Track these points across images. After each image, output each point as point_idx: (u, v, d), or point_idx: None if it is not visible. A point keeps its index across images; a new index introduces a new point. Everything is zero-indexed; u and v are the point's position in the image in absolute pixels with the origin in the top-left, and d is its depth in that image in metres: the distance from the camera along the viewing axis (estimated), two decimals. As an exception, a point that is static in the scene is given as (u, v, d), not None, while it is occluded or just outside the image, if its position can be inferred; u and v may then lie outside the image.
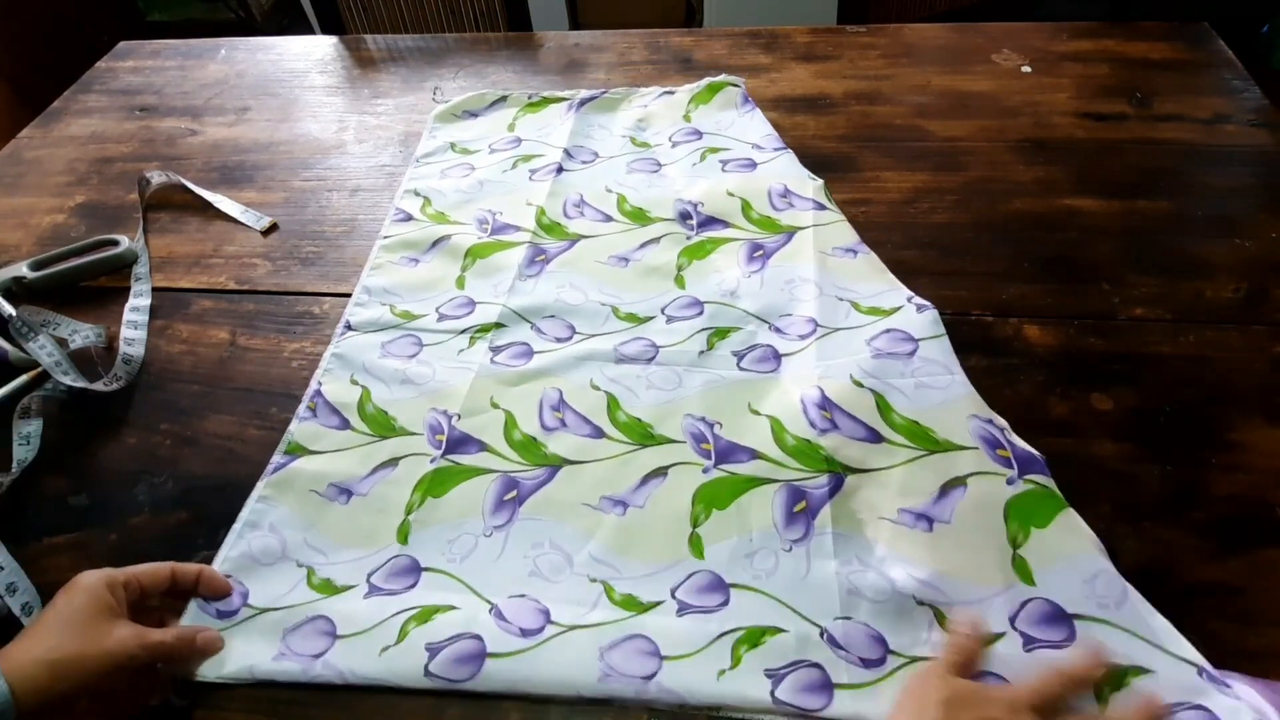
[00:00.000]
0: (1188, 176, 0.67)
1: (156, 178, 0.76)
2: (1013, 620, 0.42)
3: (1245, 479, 0.47)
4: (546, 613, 0.44)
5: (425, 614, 0.44)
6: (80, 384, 0.57)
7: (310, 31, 1.35)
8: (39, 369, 0.59)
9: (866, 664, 0.41)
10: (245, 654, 0.43)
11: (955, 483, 0.47)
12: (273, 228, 0.71)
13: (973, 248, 0.63)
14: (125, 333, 0.62)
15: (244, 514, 0.49)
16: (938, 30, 0.89)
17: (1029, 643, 0.41)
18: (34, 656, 0.37)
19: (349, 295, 0.64)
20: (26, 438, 0.54)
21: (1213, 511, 0.46)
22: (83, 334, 0.62)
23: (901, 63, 0.84)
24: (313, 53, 0.96)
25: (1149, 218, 0.64)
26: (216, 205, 0.74)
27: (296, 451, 0.53)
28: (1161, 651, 0.39)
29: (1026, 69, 0.81)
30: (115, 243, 0.69)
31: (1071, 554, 0.43)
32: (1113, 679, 0.39)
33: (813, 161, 0.71)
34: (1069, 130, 0.73)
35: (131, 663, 0.39)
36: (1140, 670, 0.39)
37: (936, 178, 0.69)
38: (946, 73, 0.81)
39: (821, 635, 0.42)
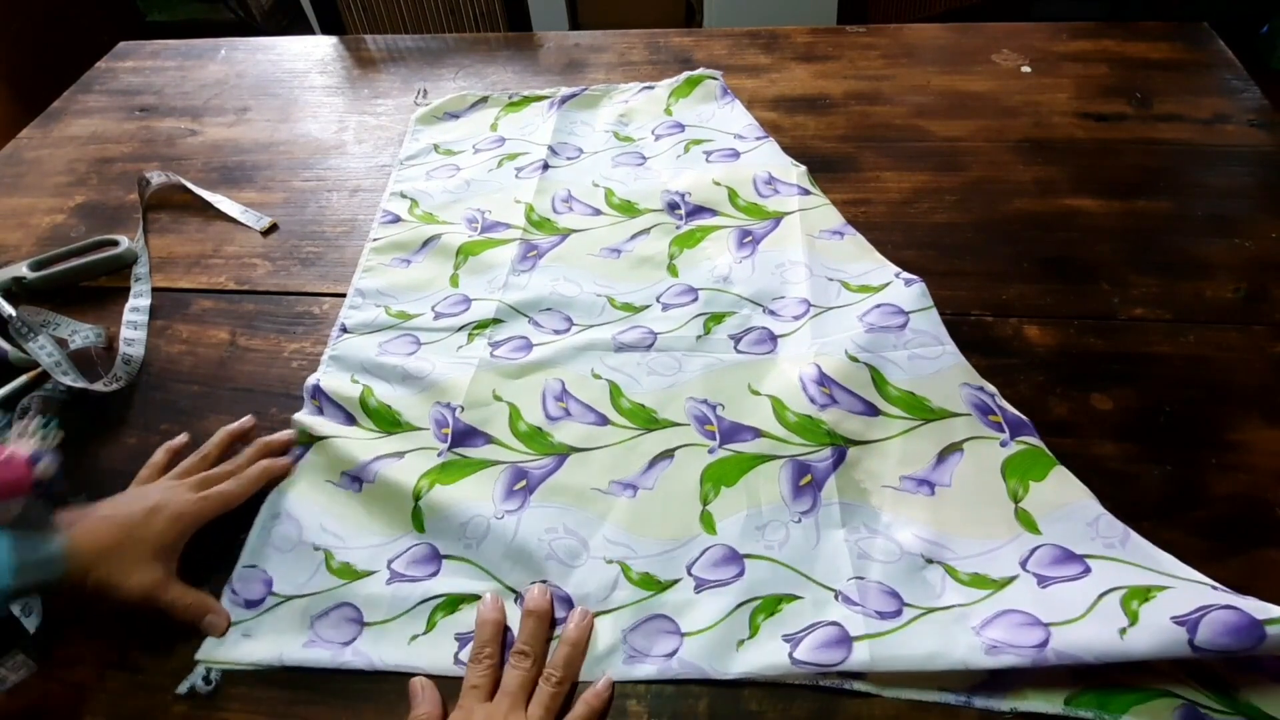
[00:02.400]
0: (1187, 176, 0.67)
1: (156, 178, 0.76)
2: (1024, 564, 0.43)
3: (1245, 479, 0.47)
4: (568, 600, 0.45)
5: (451, 603, 0.45)
6: (80, 384, 0.57)
7: (310, 31, 1.35)
8: (39, 369, 0.59)
9: (883, 615, 0.42)
10: (275, 642, 0.44)
11: (952, 448, 0.49)
12: (273, 228, 0.71)
13: (973, 248, 0.63)
14: (125, 333, 0.62)
15: (265, 506, 0.50)
16: (938, 30, 0.89)
17: (1043, 581, 0.42)
18: (87, 549, 0.42)
19: (348, 295, 0.64)
20: (26, 438, 0.54)
21: (1213, 511, 0.46)
22: (83, 334, 0.62)
23: (901, 63, 0.84)
24: (313, 53, 0.96)
25: (1149, 218, 0.64)
26: (216, 205, 0.74)
27: (306, 441, 0.53)
28: (1174, 578, 0.40)
29: (1026, 69, 0.81)
30: (115, 243, 0.69)
31: (1070, 502, 0.45)
32: (1138, 593, 0.39)
33: (813, 161, 0.71)
34: (1069, 130, 0.73)
35: (141, 603, 0.42)
36: (1161, 586, 0.39)
37: (936, 178, 0.69)
38: (946, 73, 0.81)
39: (837, 597, 0.43)
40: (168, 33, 1.39)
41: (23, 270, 0.66)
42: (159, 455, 0.51)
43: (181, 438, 0.53)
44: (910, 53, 0.85)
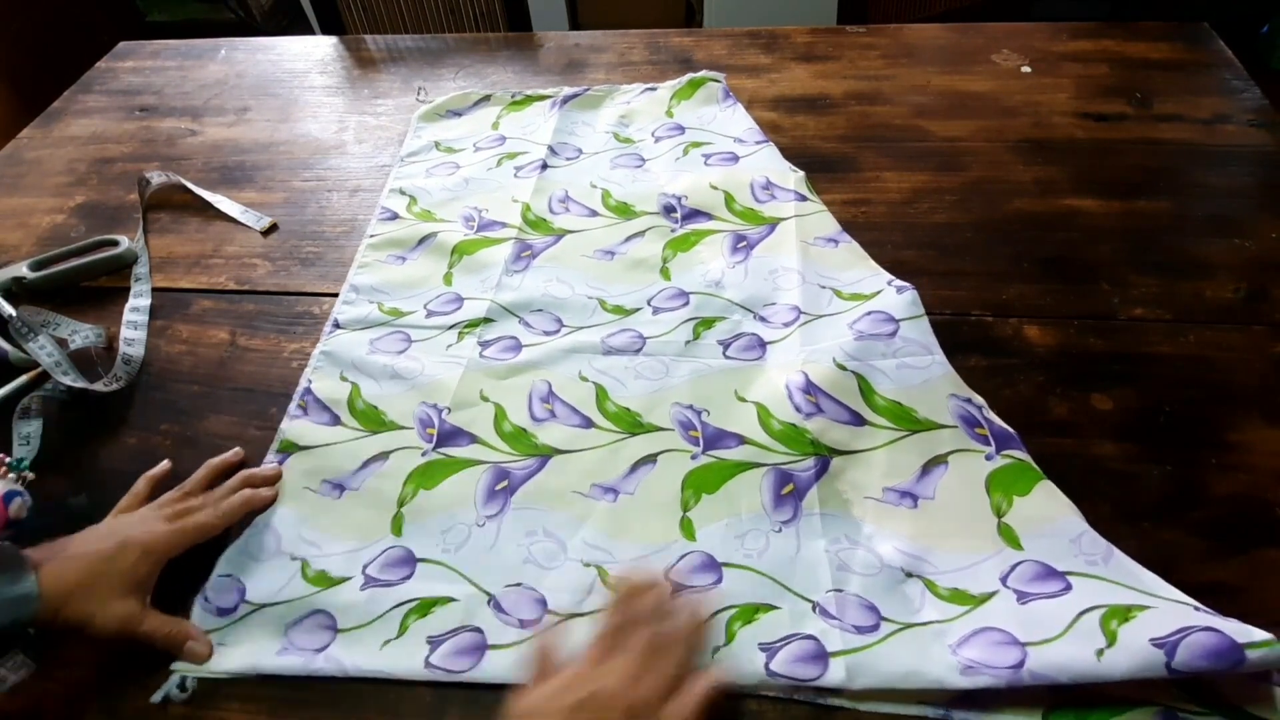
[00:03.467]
0: (1188, 176, 0.67)
1: (156, 178, 0.76)
2: (1004, 579, 0.43)
3: (1245, 479, 0.47)
4: (543, 601, 0.44)
5: (424, 606, 0.45)
6: (80, 384, 0.57)
7: (310, 31, 1.35)
8: (39, 369, 0.59)
9: (860, 630, 0.41)
10: (248, 650, 0.44)
11: (937, 461, 0.48)
12: (273, 228, 0.71)
13: (973, 248, 0.63)
14: (125, 333, 0.62)
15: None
16: (938, 30, 0.89)
17: (1022, 597, 0.41)
18: (58, 588, 0.41)
19: (349, 295, 0.64)
20: (26, 438, 0.54)
21: (1213, 511, 0.46)
22: (83, 334, 0.62)
23: (901, 63, 0.84)
24: (313, 53, 0.96)
25: (1149, 218, 0.64)
26: (216, 205, 0.74)
27: (289, 449, 0.53)
28: (1156, 597, 0.40)
29: (1026, 69, 0.81)
30: (115, 243, 0.69)
31: (1054, 518, 0.44)
32: (1118, 613, 0.38)
33: (812, 161, 0.71)
34: (1069, 130, 0.73)
35: (117, 636, 0.42)
36: (1142, 606, 0.39)
37: (936, 178, 0.69)
38: (946, 73, 0.81)
39: (814, 609, 0.43)
40: (168, 33, 1.39)
41: (23, 270, 0.66)
42: (140, 485, 0.50)
43: (162, 466, 0.52)
44: (910, 53, 0.85)
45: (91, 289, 0.67)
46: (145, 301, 0.65)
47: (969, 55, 0.84)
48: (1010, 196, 0.67)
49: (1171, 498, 0.46)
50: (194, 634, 0.44)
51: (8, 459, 0.52)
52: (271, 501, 0.50)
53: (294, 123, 0.84)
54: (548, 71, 0.88)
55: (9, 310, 0.62)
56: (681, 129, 0.77)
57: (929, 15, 1.85)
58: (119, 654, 0.44)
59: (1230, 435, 0.49)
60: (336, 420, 0.55)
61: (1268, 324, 0.55)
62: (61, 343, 0.61)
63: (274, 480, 0.51)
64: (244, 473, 0.51)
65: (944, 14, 1.86)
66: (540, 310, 0.61)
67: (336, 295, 0.64)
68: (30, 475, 0.52)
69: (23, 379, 0.58)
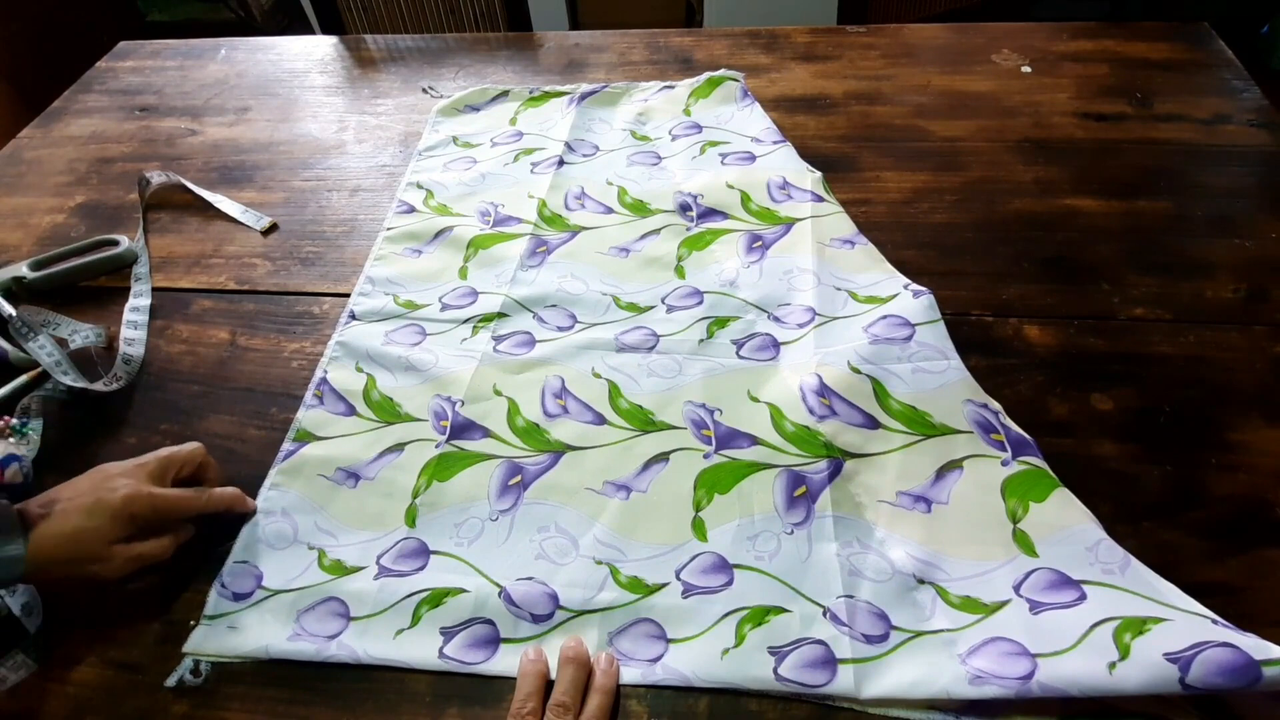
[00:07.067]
0: (1188, 176, 0.67)
1: (156, 178, 0.76)
2: (1017, 588, 0.42)
3: (1245, 479, 0.47)
4: (555, 597, 0.45)
5: (436, 597, 0.45)
6: (80, 384, 0.57)
7: (310, 31, 1.35)
8: (39, 369, 0.59)
9: (869, 640, 0.41)
10: (260, 634, 0.44)
11: (951, 465, 0.48)
12: (273, 228, 0.71)
13: (973, 248, 0.63)
14: (125, 333, 0.62)
15: (257, 502, 0.50)
16: (938, 30, 0.89)
17: (1035, 607, 0.41)
18: (49, 545, 0.42)
19: (349, 295, 0.64)
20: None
21: (1213, 511, 0.46)
22: (83, 334, 0.62)
23: (901, 63, 0.84)
24: (313, 53, 0.96)
25: (1149, 218, 0.64)
26: (216, 205, 0.74)
27: (305, 438, 0.54)
28: (1173, 609, 0.39)
29: (1026, 69, 0.81)
30: (115, 243, 0.69)
31: (1070, 525, 0.44)
32: (1132, 626, 0.38)
33: (813, 161, 0.71)
34: (1069, 130, 0.73)
35: (105, 583, 0.44)
36: (1158, 619, 0.38)
37: (936, 178, 0.69)
38: (946, 73, 0.81)
39: (825, 614, 0.43)
40: (168, 32, 1.39)
41: (23, 270, 0.66)
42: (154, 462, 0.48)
43: (189, 449, 0.50)
44: (910, 53, 0.85)
45: (91, 289, 0.67)
46: (145, 301, 0.65)
47: (969, 55, 0.84)
48: (1010, 196, 0.67)
49: (1171, 498, 0.46)
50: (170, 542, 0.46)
51: (13, 420, 0.53)
52: (253, 512, 0.50)
53: (294, 123, 0.84)
54: (548, 71, 0.88)
55: (9, 310, 0.62)
56: (699, 127, 0.77)
57: (929, 15, 1.85)
58: (119, 652, 0.44)
59: (1230, 435, 0.49)
60: (352, 410, 0.55)
61: (1268, 324, 0.55)
62: (61, 342, 0.61)
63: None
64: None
65: (944, 14, 1.86)
66: (554, 306, 0.61)
67: (337, 295, 0.64)
68: (35, 437, 0.53)
69: (23, 379, 0.58)
